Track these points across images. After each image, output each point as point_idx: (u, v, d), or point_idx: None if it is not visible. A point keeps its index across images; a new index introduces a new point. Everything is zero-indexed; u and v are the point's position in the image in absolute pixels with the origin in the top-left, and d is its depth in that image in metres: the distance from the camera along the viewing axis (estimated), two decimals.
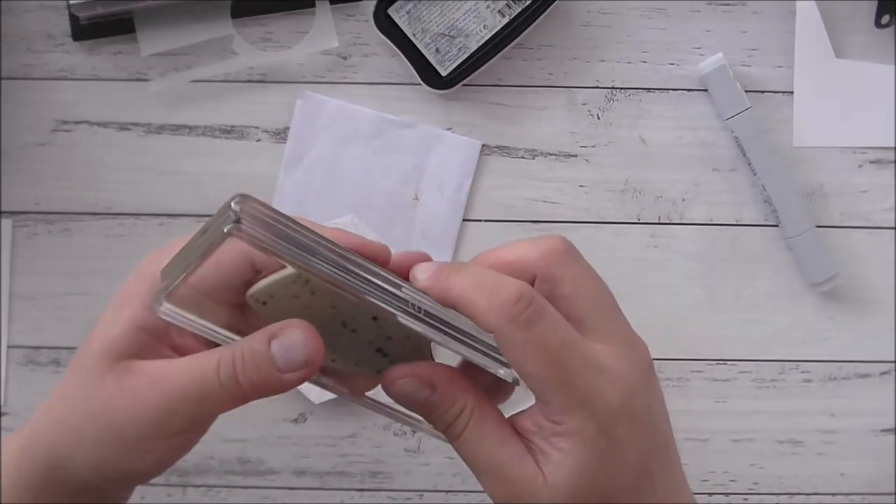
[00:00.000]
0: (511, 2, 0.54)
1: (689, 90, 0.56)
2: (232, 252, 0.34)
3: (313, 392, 0.55)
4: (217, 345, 0.34)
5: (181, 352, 0.34)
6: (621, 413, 0.33)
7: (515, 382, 0.35)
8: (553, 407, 0.32)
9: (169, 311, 0.32)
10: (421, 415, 0.35)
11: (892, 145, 0.56)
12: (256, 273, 0.34)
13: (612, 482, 0.33)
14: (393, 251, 0.36)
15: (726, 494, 0.57)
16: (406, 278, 0.34)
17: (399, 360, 0.36)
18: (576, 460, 0.32)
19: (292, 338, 0.32)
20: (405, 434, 0.57)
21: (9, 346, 0.56)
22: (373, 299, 0.32)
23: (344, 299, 0.32)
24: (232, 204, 0.30)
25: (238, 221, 0.30)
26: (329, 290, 0.32)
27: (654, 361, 0.56)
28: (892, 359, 0.57)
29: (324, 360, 0.33)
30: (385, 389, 0.34)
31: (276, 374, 0.32)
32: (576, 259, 0.35)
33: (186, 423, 0.33)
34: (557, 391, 0.32)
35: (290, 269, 0.33)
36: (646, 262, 0.56)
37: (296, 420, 0.56)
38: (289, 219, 0.31)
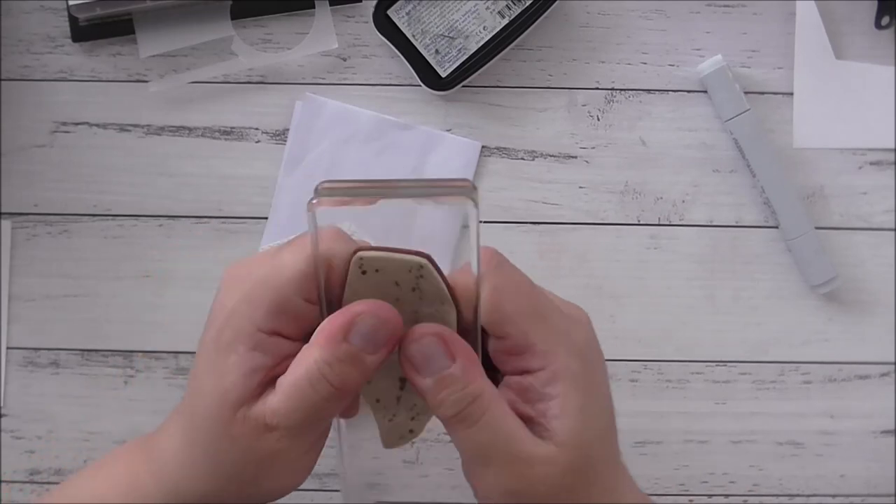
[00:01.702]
0: (511, 3, 0.54)
1: (688, 91, 0.56)
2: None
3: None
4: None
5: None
6: (590, 349, 0.36)
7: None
8: (536, 349, 0.34)
9: None
10: (428, 393, 0.34)
11: (893, 147, 0.56)
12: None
13: (598, 424, 0.35)
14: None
15: (726, 496, 0.57)
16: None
17: (414, 398, 0.36)
18: (573, 401, 0.34)
19: (369, 322, 0.33)
20: (404, 446, 0.56)
21: (8, 348, 0.56)
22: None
23: (423, 316, 0.34)
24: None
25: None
26: (432, 291, 0.34)
27: (655, 363, 0.57)
28: (892, 360, 0.57)
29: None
30: (404, 349, 0.34)
31: (366, 358, 0.33)
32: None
33: (308, 445, 0.35)
34: (538, 328, 0.34)
35: (413, 257, 0.34)
36: (645, 264, 0.56)
37: None
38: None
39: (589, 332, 0.36)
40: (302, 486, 0.55)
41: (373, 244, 0.35)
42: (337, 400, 0.34)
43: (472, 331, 0.35)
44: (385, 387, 0.36)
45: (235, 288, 0.35)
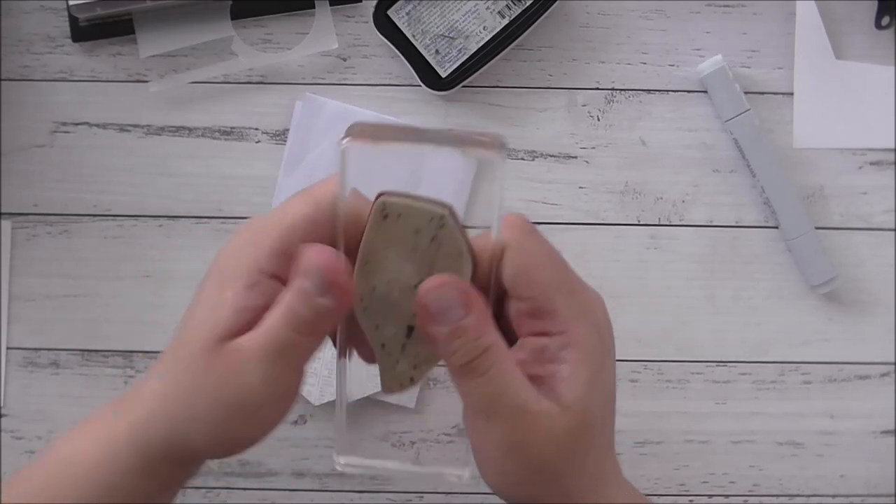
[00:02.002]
0: (511, 3, 0.54)
1: (688, 92, 0.56)
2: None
3: (313, 394, 0.55)
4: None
5: None
6: (608, 332, 0.37)
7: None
8: (558, 315, 0.35)
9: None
10: (441, 342, 0.34)
11: (893, 147, 0.56)
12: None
13: (600, 401, 0.36)
14: None
15: (726, 496, 0.57)
16: None
17: (419, 347, 0.37)
18: (583, 371, 0.35)
19: (307, 264, 0.34)
20: (403, 445, 0.57)
21: (8, 348, 0.56)
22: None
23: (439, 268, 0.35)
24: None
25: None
26: (451, 243, 0.35)
27: (655, 363, 0.57)
28: (892, 360, 0.57)
29: (353, 285, 0.35)
30: (421, 298, 0.34)
31: (315, 301, 0.34)
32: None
33: (287, 376, 0.36)
34: (564, 296, 0.35)
35: (436, 207, 0.35)
36: (645, 264, 0.56)
37: (295, 422, 0.56)
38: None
39: (607, 315, 0.38)
40: (301, 487, 0.55)
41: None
42: (301, 333, 0.35)
43: (486, 288, 0.36)
44: (392, 334, 0.37)
45: (243, 234, 0.36)
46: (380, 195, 0.35)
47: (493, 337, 0.35)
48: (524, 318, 0.36)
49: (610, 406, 0.38)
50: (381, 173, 0.35)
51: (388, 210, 0.35)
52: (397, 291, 0.36)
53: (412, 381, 0.38)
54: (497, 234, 0.35)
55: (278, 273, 0.35)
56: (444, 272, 0.35)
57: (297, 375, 0.36)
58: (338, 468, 0.39)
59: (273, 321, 0.35)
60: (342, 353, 0.37)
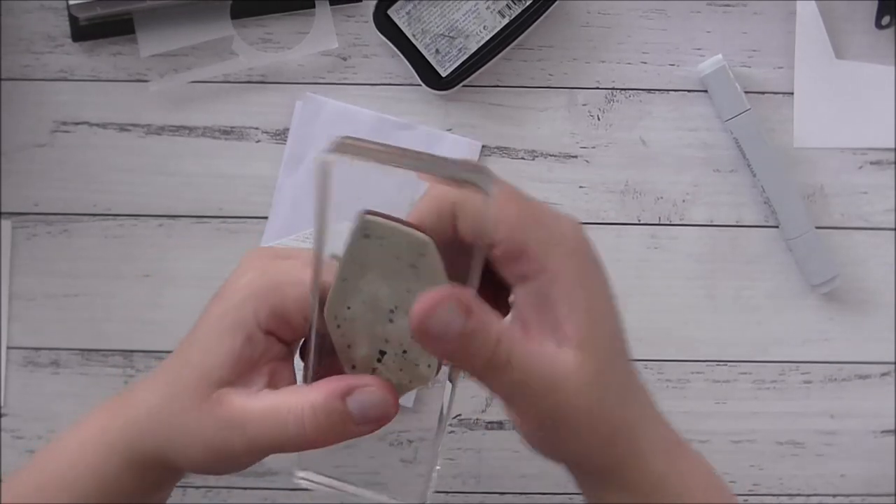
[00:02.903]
0: (511, 3, 0.54)
1: (689, 91, 0.56)
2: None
3: None
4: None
5: (272, 382, 0.37)
6: (588, 249, 0.36)
7: None
8: (532, 252, 0.34)
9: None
10: (454, 356, 0.33)
11: (893, 146, 0.56)
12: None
13: (607, 325, 0.35)
14: None
15: None
16: None
17: (391, 366, 0.36)
18: (579, 301, 0.34)
19: (371, 395, 0.35)
20: (401, 444, 0.57)
21: (8, 347, 0.56)
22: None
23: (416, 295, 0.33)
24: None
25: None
26: (430, 272, 0.34)
27: (655, 362, 0.56)
28: (893, 360, 0.57)
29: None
30: (419, 324, 0.32)
31: (350, 427, 0.35)
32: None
33: (266, 455, 0.37)
34: (531, 230, 0.34)
35: (420, 235, 0.34)
36: (646, 263, 0.56)
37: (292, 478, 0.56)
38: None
39: (584, 234, 0.36)
40: (302, 486, 0.55)
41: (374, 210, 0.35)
42: (303, 444, 0.36)
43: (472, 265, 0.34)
44: (363, 355, 0.36)
45: (250, 276, 0.37)
46: (364, 212, 0.34)
47: (499, 325, 0.33)
48: (503, 264, 0.35)
49: (619, 326, 0.37)
50: (369, 184, 0.33)
51: (371, 231, 0.34)
52: (372, 313, 0.35)
53: None
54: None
55: (274, 331, 0.36)
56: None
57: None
58: (294, 481, 0.38)
59: (279, 419, 0.35)
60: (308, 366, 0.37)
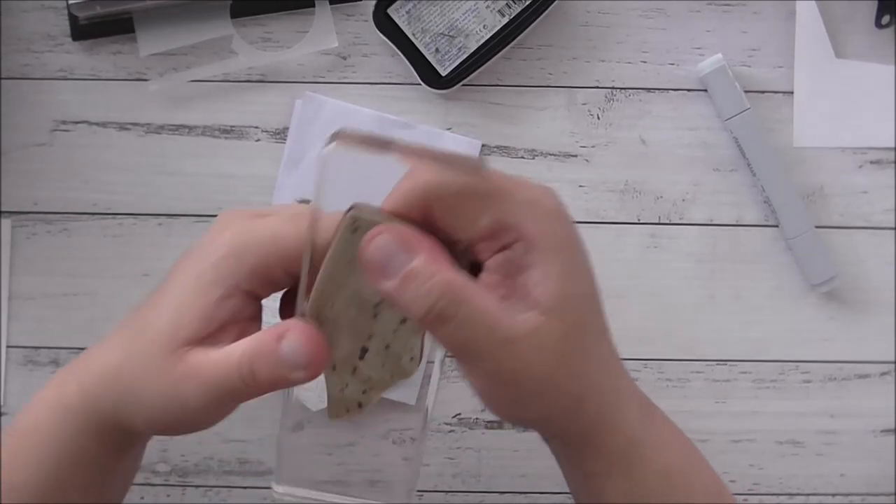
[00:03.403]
0: (511, 2, 0.54)
1: (689, 90, 0.56)
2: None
3: (311, 400, 0.55)
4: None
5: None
6: (561, 215, 0.35)
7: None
8: (506, 224, 0.33)
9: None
10: (396, 297, 0.33)
11: (893, 146, 0.56)
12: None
13: (582, 289, 0.35)
14: None
15: None
16: None
17: (373, 362, 0.36)
18: (553, 266, 0.33)
19: (293, 341, 0.34)
20: (404, 442, 0.56)
21: (8, 346, 0.56)
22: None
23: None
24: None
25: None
26: None
27: (655, 361, 0.56)
28: (893, 359, 0.57)
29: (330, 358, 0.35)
30: (362, 255, 0.33)
31: (285, 371, 0.34)
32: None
33: (225, 407, 0.36)
34: (504, 200, 0.33)
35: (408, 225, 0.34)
36: (646, 263, 0.56)
37: (293, 429, 0.56)
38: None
39: (557, 199, 0.35)
40: (283, 501, 0.54)
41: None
42: (251, 388, 0.35)
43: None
44: (345, 353, 0.36)
45: (229, 234, 0.36)
46: (351, 207, 0.34)
47: (450, 273, 0.32)
48: (482, 243, 0.34)
49: (593, 293, 0.36)
50: (365, 179, 0.34)
51: (359, 224, 0.34)
52: (356, 308, 0.35)
53: (360, 407, 0.37)
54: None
55: (254, 291, 0.36)
56: None
57: (236, 406, 0.37)
58: (274, 496, 0.38)
59: (227, 365, 0.35)
60: None
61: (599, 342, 0.36)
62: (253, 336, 0.35)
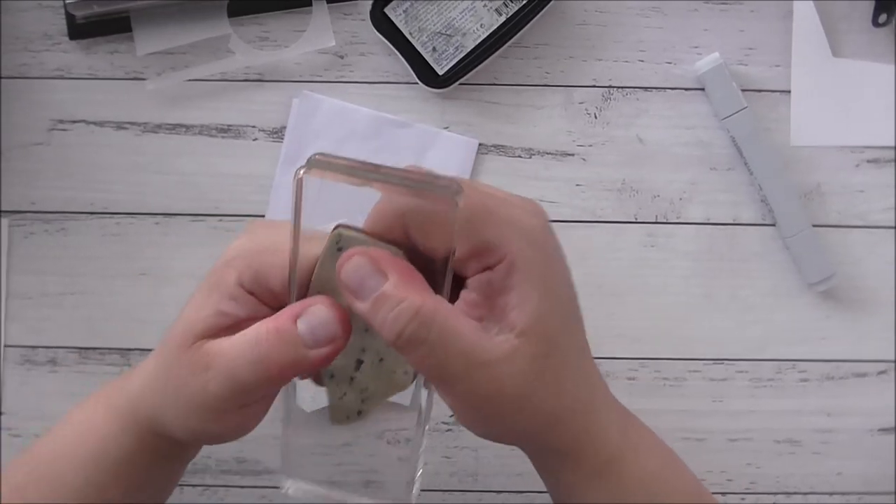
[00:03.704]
0: (508, 1, 0.54)
1: (686, 89, 0.56)
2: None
3: (306, 401, 0.55)
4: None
5: None
6: (545, 236, 0.36)
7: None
8: (489, 245, 0.34)
9: None
10: (369, 319, 0.33)
11: (890, 144, 0.56)
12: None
13: (560, 311, 0.35)
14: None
15: (723, 494, 0.57)
16: None
17: (368, 374, 0.37)
18: (532, 289, 0.34)
19: (318, 314, 0.34)
20: (399, 443, 0.56)
21: (6, 346, 0.56)
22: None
23: None
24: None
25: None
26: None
27: (652, 360, 0.56)
28: (890, 358, 0.57)
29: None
30: (339, 275, 0.34)
31: (302, 350, 0.34)
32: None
33: (245, 399, 0.36)
34: (488, 220, 0.34)
35: (391, 247, 0.34)
36: (643, 262, 0.56)
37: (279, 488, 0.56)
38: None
39: (542, 219, 0.36)
40: (290, 495, 0.55)
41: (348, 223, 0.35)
42: (268, 371, 0.35)
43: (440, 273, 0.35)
44: (342, 365, 0.37)
45: (241, 240, 0.38)
46: (337, 226, 0.35)
47: (421, 297, 0.33)
48: (466, 263, 0.34)
49: (572, 315, 0.37)
50: (344, 200, 0.34)
51: (343, 243, 0.34)
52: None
53: (359, 415, 0.38)
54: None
55: (256, 294, 0.36)
56: None
57: (268, 397, 0.37)
58: (283, 491, 0.39)
59: (238, 352, 0.35)
60: None
61: (577, 360, 0.37)
62: (269, 318, 0.35)
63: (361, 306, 0.33)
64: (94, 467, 0.39)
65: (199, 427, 0.37)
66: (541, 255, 0.35)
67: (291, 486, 0.39)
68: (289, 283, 0.35)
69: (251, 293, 0.36)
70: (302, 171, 0.33)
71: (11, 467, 0.41)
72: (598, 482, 0.37)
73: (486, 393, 0.34)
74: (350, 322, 0.35)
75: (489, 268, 0.34)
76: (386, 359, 0.36)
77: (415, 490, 0.38)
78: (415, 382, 0.37)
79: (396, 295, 0.32)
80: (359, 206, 0.35)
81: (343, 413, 0.38)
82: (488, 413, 0.35)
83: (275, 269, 0.36)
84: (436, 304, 0.33)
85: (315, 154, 0.34)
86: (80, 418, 0.41)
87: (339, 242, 0.35)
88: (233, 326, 0.36)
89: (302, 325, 0.34)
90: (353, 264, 0.33)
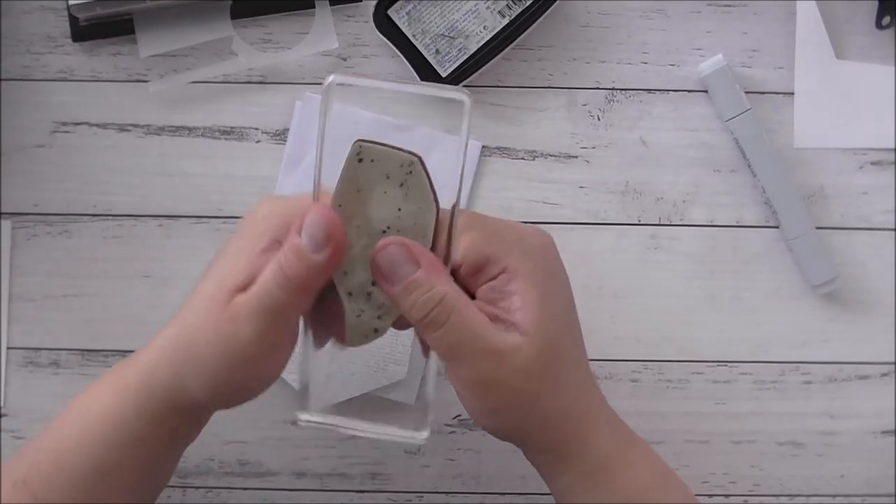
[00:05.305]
0: (511, 3, 0.54)
1: (689, 91, 0.56)
2: None
3: (297, 382, 0.55)
4: None
5: None
6: (547, 253, 0.40)
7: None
8: (494, 259, 0.38)
9: None
10: (398, 299, 0.37)
11: (893, 147, 0.56)
12: None
13: (559, 318, 0.39)
14: None
15: (726, 496, 0.57)
16: None
17: (383, 297, 0.39)
18: (532, 294, 0.38)
19: (311, 219, 0.37)
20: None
21: (8, 348, 0.56)
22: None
23: (405, 214, 0.38)
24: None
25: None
26: (418, 189, 0.38)
27: (655, 362, 0.56)
28: (893, 360, 0.57)
29: (346, 241, 0.38)
30: (373, 259, 0.38)
31: (309, 257, 0.36)
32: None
33: (276, 331, 0.38)
34: (493, 242, 0.39)
35: (407, 154, 0.39)
36: (646, 264, 0.56)
37: (295, 423, 0.56)
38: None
39: (545, 240, 0.40)
40: (301, 486, 0.55)
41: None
42: (289, 292, 0.37)
43: (446, 249, 0.39)
44: (359, 281, 0.39)
45: (264, 206, 0.40)
46: (357, 141, 0.38)
47: (447, 287, 0.37)
48: (471, 277, 0.39)
49: (571, 324, 0.40)
50: (361, 128, 0.40)
51: (363, 154, 0.38)
52: (366, 237, 0.38)
53: (376, 332, 0.40)
54: (462, 174, 0.39)
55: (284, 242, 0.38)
56: (409, 219, 0.38)
57: (288, 331, 0.39)
58: (300, 424, 0.41)
59: (265, 279, 0.37)
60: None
61: (575, 367, 0.39)
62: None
63: (392, 289, 0.37)
64: (104, 451, 0.39)
65: (227, 376, 0.38)
66: (540, 265, 0.39)
67: (307, 419, 0.41)
68: (314, 193, 0.39)
69: (282, 244, 0.38)
70: (331, 77, 0.38)
71: (9, 465, 0.41)
72: (591, 485, 0.39)
73: (490, 380, 0.37)
74: (341, 224, 0.37)
75: (492, 278, 0.38)
76: None
77: (429, 420, 0.41)
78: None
79: (427, 282, 0.37)
80: (375, 134, 0.39)
81: (361, 333, 0.40)
82: (491, 401, 0.38)
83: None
84: (457, 294, 0.37)
85: (333, 76, 0.38)
86: (84, 406, 0.41)
87: (360, 153, 0.38)
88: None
89: (304, 234, 0.37)
90: (389, 251, 0.37)
